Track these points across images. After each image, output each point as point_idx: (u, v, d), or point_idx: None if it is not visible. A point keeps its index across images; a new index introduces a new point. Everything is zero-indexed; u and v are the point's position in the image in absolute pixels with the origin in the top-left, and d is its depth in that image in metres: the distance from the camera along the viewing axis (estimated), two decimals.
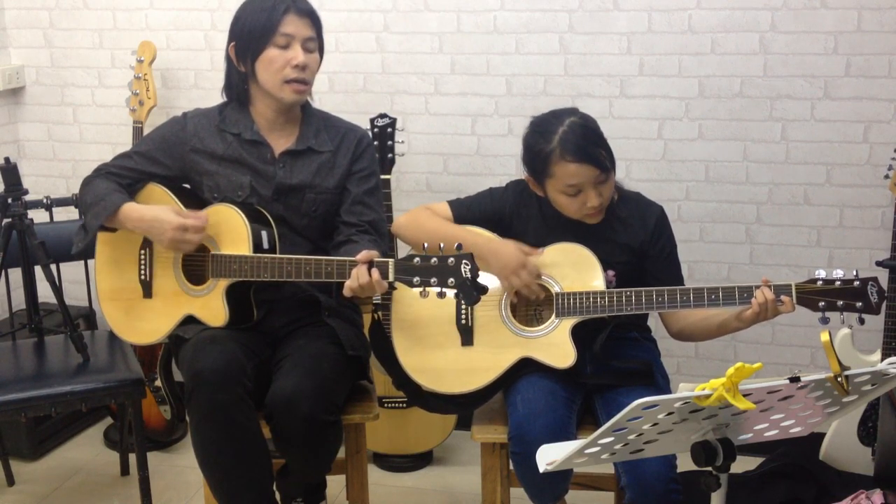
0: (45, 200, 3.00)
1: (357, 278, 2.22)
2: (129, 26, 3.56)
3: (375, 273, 2.20)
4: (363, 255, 2.23)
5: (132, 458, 2.97)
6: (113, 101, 3.63)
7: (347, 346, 2.48)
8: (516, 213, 2.47)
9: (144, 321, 2.55)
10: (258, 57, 2.44)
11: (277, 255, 2.41)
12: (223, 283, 2.43)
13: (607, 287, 2.34)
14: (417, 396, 2.48)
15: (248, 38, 2.44)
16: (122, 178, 2.54)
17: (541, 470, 1.79)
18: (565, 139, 2.30)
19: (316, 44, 2.49)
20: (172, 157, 2.54)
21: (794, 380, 1.61)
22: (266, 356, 2.46)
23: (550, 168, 2.33)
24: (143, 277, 2.55)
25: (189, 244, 2.42)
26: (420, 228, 2.46)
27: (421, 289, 2.16)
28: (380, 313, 2.57)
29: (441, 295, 2.16)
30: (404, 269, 2.18)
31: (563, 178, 2.32)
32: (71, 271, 3.19)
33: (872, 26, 2.99)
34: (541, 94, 3.26)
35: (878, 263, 2.78)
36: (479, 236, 2.39)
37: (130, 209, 2.45)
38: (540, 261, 2.38)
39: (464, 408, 2.49)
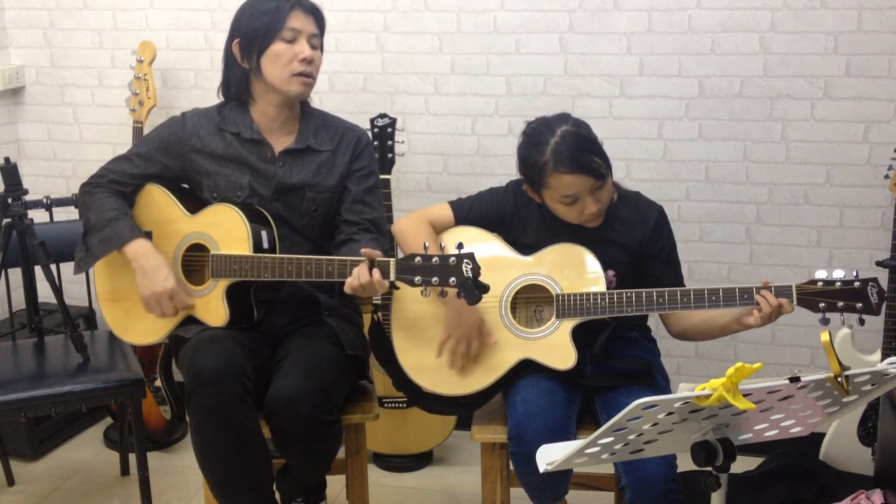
0: (45, 200, 3.00)
1: (358, 277, 2.22)
2: (129, 26, 3.56)
3: (376, 273, 2.19)
4: (367, 250, 2.22)
5: (132, 458, 2.96)
6: (113, 101, 3.63)
7: (347, 346, 2.49)
8: (516, 213, 2.47)
9: (144, 322, 2.54)
10: (265, 51, 2.43)
11: (277, 255, 2.41)
12: (223, 283, 2.43)
13: (608, 287, 2.34)
14: (417, 397, 2.48)
15: (254, 33, 2.44)
16: (125, 185, 2.54)
17: (541, 470, 1.79)
18: (558, 150, 2.28)
19: (319, 41, 2.50)
20: (172, 157, 2.54)
21: (794, 380, 1.61)
22: (266, 356, 2.46)
23: (546, 179, 2.32)
24: None
25: (161, 310, 2.43)
26: (418, 243, 2.35)
27: (422, 288, 2.16)
28: (380, 314, 2.57)
29: (443, 294, 2.16)
30: (406, 269, 2.18)
31: (559, 189, 2.31)
32: (71, 271, 3.18)
33: (872, 26, 2.99)
34: (541, 94, 3.26)
35: (878, 263, 2.78)
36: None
37: (133, 249, 2.44)
38: (539, 262, 2.38)
39: (464, 409, 2.49)
